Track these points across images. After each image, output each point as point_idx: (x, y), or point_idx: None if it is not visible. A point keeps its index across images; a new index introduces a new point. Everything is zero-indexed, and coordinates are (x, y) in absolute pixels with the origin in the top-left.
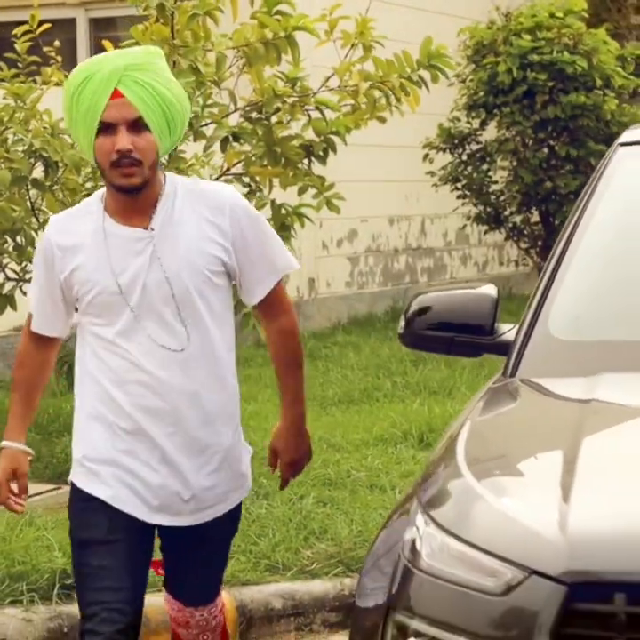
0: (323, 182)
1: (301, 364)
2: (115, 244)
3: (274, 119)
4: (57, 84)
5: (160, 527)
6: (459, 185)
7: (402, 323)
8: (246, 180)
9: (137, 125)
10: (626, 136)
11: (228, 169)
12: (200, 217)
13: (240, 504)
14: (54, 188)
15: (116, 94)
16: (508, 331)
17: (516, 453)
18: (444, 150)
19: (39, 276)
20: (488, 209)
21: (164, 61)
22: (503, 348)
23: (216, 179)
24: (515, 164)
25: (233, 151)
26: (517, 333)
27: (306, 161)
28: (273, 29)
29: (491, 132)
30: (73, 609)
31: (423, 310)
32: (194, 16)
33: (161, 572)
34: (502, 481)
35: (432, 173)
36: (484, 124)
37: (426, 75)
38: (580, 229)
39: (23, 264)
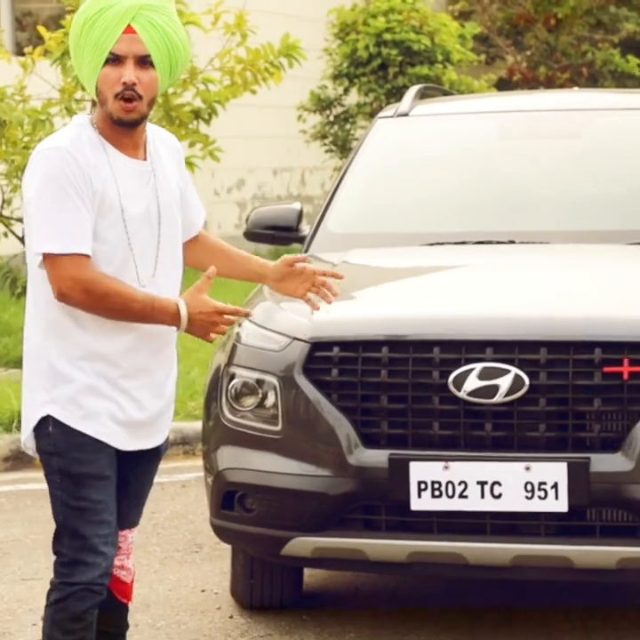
0: (207, 139)
1: None
2: (122, 173)
3: (170, 90)
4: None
5: (127, 456)
6: (326, 141)
7: (245, 226)
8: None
9: (143, 62)
10: (383, 112)
11: None
12: (167, 156)
13: None
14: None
15: (128, 30)
16: (306, 230)
17: None
18: (314, 112)
19: (72, 199)
20: None
21: (174, 7)
22: (303, 240)
23: None
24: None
25: None
26: (310, 230)
27: (195, 122)
28: None
29: (352, 97)
30: None
31: (258, 217)
32: None
33: None
34: (285, 299)
35: (304, 131)
36: (346, 90)
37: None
38: (351, 168)
39: None
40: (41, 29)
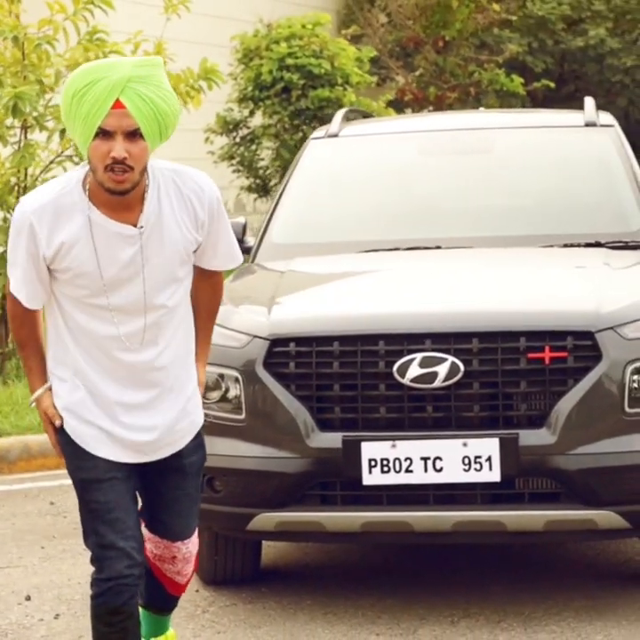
0: None
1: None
2: (102, 238)
3: None
4: None
5: (140, 466)
6: (233, 162)
7: None
8: (76, 159)
9: (133, 134)
10: (314, 134)
11: (62, 152)
12: (180, 208)
13: (201, 435)
14: None
15: (117, 104)
16: (251, 241)
17: (249, 293)
18: (222, 134)
19: (22, 258)
20: (257, 181)
21: (163, 72)
22: (249, 250)
23: (53, 159)
24: (277, 144)
25: (67, 139)
26: (255, 241)
27: None
28: (94, 52)
29: (257, 120)
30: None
31: None
32: (39, 44)
33: None
34: (243, 303)
35: (212, 153)
36: (252, 113)
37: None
38: (289, 184)
39: None
40: None
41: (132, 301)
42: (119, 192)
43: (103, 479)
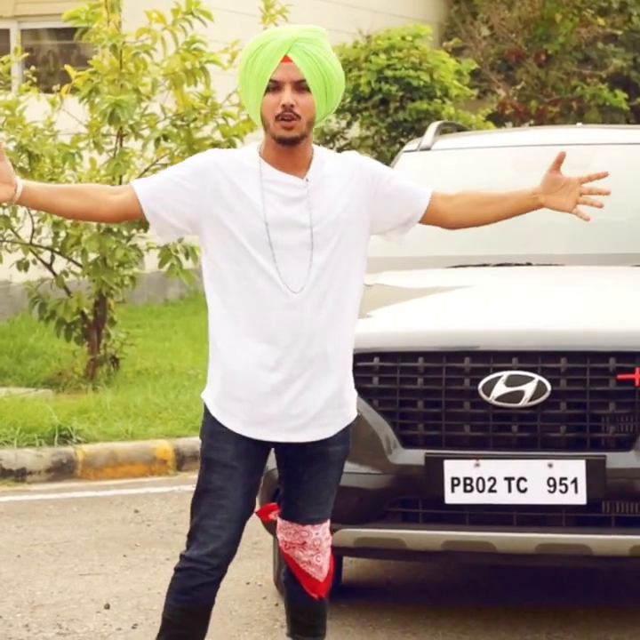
0: None
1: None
2: (272, 186)
3: (192, 125)
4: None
5: (280, 446)
6: None
7: None
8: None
9: (300, 86)
10: (407, 146)
11: (157, 160)
12: (341, 177)
13: (349, 430)
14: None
15: (285, 59)
16: None
17: None
18: (318, 145)
19: (182, 176)
20: None
21: (327, 41)
22: None
23: (148, 167)
24: (374, 156)
25: (161, 147)
26: None
27: None
28: (191, 62)
29: (355, 131)
30: (68, 449)
31: None
32: (137, 53)
33: (271, 517)
34: None
35: None
36: (349, 124)
37: None
38: None
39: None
40: (68, 68)
41: (294, 246)
42: (288, 140)
43: (227, 464)
